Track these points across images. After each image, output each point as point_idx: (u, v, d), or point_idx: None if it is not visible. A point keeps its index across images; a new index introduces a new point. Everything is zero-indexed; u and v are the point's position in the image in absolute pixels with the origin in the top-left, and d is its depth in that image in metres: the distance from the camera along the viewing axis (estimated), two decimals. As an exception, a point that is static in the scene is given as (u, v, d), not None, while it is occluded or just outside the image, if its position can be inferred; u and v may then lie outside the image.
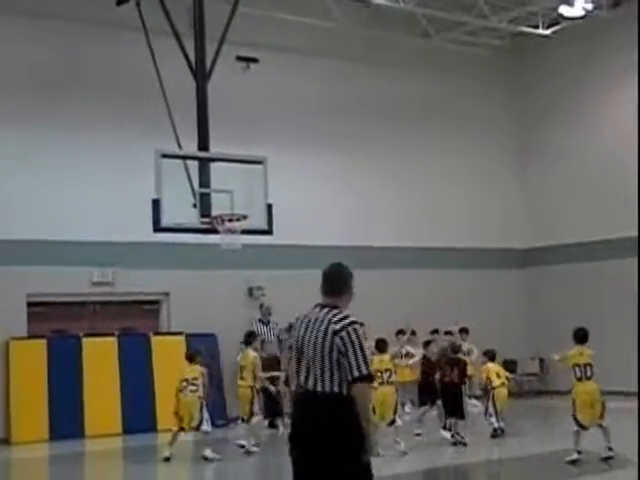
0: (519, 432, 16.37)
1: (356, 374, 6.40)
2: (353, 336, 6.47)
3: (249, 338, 16.48)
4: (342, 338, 6.44)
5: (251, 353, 16.08)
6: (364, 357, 6.45)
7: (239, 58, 20.75)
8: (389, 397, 14.16)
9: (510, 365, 23.68)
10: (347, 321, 6.53)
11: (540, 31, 22.88)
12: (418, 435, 16.06)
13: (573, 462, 12.71)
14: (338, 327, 6.49)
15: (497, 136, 24.97)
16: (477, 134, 24.46)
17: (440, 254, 23.24)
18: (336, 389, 6.43)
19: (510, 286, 24.38)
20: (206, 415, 14.78)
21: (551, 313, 23.68)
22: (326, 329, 6.51)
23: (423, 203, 23.29)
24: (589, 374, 12.88)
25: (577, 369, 12.93)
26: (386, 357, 14.60)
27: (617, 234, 22.68)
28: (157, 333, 19.31)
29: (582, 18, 21.79)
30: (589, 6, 21.21)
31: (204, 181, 16.40)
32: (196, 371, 14.99)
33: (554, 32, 22.95)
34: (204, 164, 16.56)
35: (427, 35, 22.95)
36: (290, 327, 19.86)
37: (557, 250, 24.13)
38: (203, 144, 16.97)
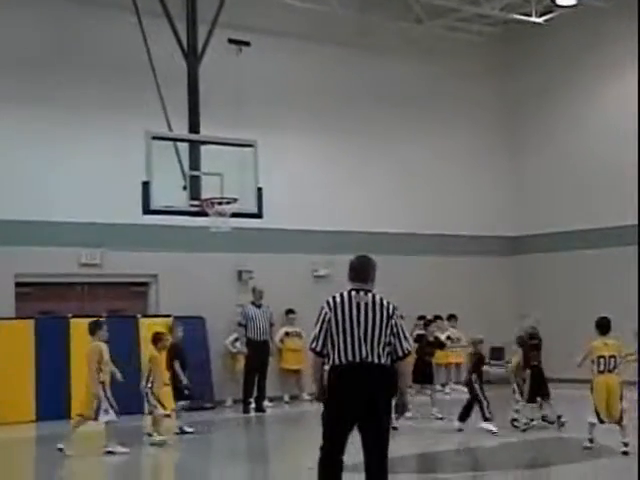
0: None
1: (406, 351, 7.81)
2: (400, 319, 7.86)
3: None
4: (395, 321, 7.77)
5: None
6: (408, 338, 7.90)
7: (231, 41, 20.66)
8: None
9: (497, 352, 23.80)
10: (393, 306, 7.85)
11: (533, 19, 22.84)
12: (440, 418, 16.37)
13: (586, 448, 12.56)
14: (391, 311, 7.80)
15: (488, 124, 24.95)
16: (468, 121, 24.43)
17: (429, 241, 23.24)
18: (386, 361, 7.70)
19: (499, 274, 24.40)
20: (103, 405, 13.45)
21: (540, 301, 23.63)
22: (381, 311, 7.76)
23: (413, 189, 23.26)
24: (612, 367, 12.48)
25: (601, 361, 12.48)
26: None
27: (606, 223, 22.73)
28: (145, 315, 19.27)
29: (575, 7, 21.77)
30: (583, -7, 21.19)
31: (194, 163, 16.39)
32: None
33: (547, 20, 22.91)
34: (194, 146, 16.55)
35: (420, 21, 22.90)
36: (290, 311, 20.00)
37: (546, 238, 24.15)
38: (194, 126, 16.97)
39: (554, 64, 24.19)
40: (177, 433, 15.38)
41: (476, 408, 14.98)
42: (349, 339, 7.69)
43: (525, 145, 25.08)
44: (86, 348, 13.82)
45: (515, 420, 15.31)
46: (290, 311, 20.20)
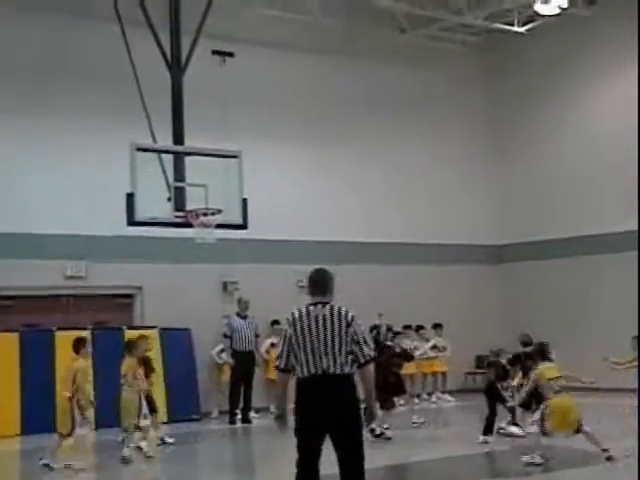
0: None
1: (368, 358, 7.86)
2: (360, 327, 7.93)
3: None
4: (354, 329, 7.87)
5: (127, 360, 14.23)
6: (369, 344, 7.95)
7: (215, 52, 20.68)
8: None
9: (484, 360, 23.82)
10: (352, 314, 7.96)
11: (515, 28, 22.92)
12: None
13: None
14: (349, 320, 7.89)
15: (471, 133, 25.00)
16: (451, 130, 24.49)
17: (413, 250, 23.26)
18: (351, 369, 7.83)
19: (484, 282, 24.42)
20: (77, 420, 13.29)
21: (524, 309, 23.77)
22: (340, 321, 7.87)
23: (398, 198, 23.28)
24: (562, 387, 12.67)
25: (553, 383, 12.52)
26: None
27: (589, 231, 22.80)
28: (131, 327, 19.21)
29: (557, 15, 21.84)
30: (564, 4, 21.24)
31: (179, 175, 16.38)
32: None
33: (529, 29, 22.99)
34: (179, 158, 16.54)
35: (403, 31, 22.95)
36: (275, 322, 19.91)
37: (530, 246, 24.20)
38: (178, 138, 16.96)
39: (537, 73, 24.27)
40: (159, 444, 15.27)
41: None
42: (310, 353, 7.84)
43: (511, 152, 25.11)
44: (68, 364, 13.70)
45: (502, 428, 15.31)
46: (275, 322, 20.16)
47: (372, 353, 7.94)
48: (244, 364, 18.75)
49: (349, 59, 22.61)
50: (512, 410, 14.90)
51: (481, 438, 14.41)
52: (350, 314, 7.94)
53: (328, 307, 7.97)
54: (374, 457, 8.13)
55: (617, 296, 22.14)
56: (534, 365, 13.16)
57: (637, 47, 19.39)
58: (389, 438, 15.25)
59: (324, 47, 22.26)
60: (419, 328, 21.69)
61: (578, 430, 12.37)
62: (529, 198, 24.51)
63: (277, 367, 8.09)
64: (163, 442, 15.40)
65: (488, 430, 14.55)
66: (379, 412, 15.45)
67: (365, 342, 7.89)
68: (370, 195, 22.91)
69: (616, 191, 22.43)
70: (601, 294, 22.52)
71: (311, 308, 7.99)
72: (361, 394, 7.98)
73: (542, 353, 13.02)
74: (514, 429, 14.85)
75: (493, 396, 14.91)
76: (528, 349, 15.36)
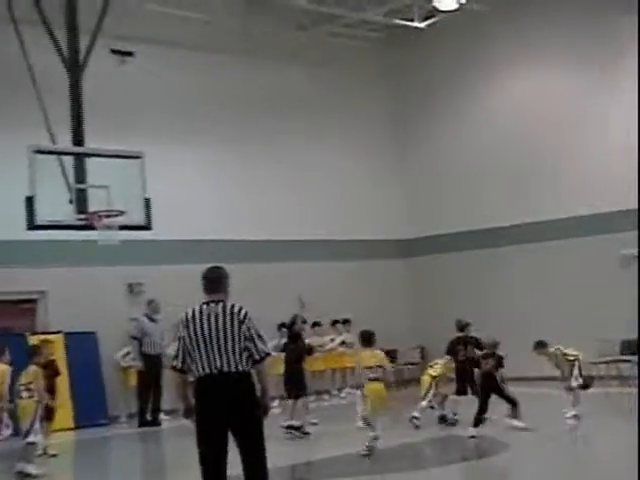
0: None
1: (262, 354, 7.86)
2: (253, 323, 7.89)
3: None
4: (247, 326, 7.83)
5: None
6: (264, 339, 7.95)
7: (114, 51, 20.41)
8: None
9: (392, 354, 23.99)
10: (245, 311, 7.92)
11: (415, 24, 23.11)
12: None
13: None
14: (242, 317, 7.86)
15: (375, 128, 25.15)
16: (355, 127, 24.60)
17: (323, 246, 23.32)
18: (246, 367, 7.79)
19: (393, 276, 24.60)
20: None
21: (434, 302, 24.00)
22: (232, 319, 7.83)
23: (304, 196, 23.31)
24: (379, 375, 13.00)
25: (368, 371, 13.01)
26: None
27: (495, 223, 23.14)
28: (34, 332, 18.84)
29: (456, 11, 22.08)
30: (462, -1, 21.50)
31: (80, 176, 16.07)
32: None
33: (429, 25, 23.21)
34: (79, 159, 16.24)
35: (304, 28, 22.95)
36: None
37: (438, 240, 24.46)
38: (78, 139, 16.66)
39: (439, 68, 24.55)
40: (40, 454, 14.14)
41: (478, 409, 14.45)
42: (204, 352, 7.81)
43: (414, 147, 25.33)
44: None
45: (415, 418, 15.37)
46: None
47: (267, 349, 7.96)
48: (155, 367, 18.57)
49: (250, 58, 22.53)
50: (512, 401, 14.38)
51: (471, 430, 13.97)
52: (243, 311, 7.91)
53: (221, 305, 7.92)
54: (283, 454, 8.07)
55: (524, 286, 22.54)
56: None
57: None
58: (307, 433, 15.26)
59: (224, 46, 22.14)
60: (335, 322, 21.80)
61: None
62: (434, 192, 24.76)
63: (174, 367, 8.06)
64: (44, 452, 14.44)
65: (479, 422, 14.07)
66: (288, 402, 15.57)
67: (260, 338, 7.88)
68: (279, 193, 22.88)
69: (516, 183, 22.83)
70: (509, 284, 22.89)
71: (204, 307, 7.95)
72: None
73: (364, 339, 13.34)
74: (516, 422, 14.23)
75: (491, 388, 14.37)
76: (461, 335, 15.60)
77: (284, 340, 18.06)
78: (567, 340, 15.61)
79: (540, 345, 15.36)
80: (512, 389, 14.47)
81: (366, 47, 24.66)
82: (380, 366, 12.98)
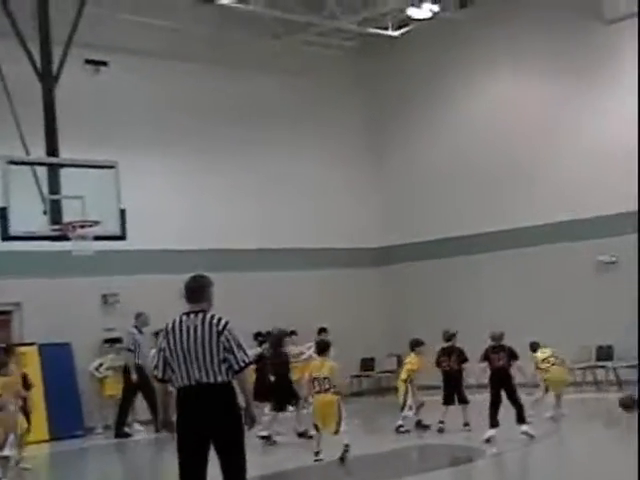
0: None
1: (242, 364, 7.78)
2: (233, 333, 7.81)
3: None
4: (226, 337, 7.75)
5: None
6: (244, 349, 7.85)
7: (88, 61, 20.35)
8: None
9: (368, 362, 24.01)
10: (225, 321, 7.83)
11: (389, 32, 23.16)
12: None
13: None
14: (220, 328, 7.78)
15: (350, 137, 25.14)
16: (330, 135, 24.58)
17: (297, 255, 23.29)
18: (225, 378, 7.73)
19: (368, 285, 24.59)
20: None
21: (409, 310, 24.02)
22: (210, 330, 7.77)
23: (278, 205, 23.27)
24: (326, 387, 12.99)
25: (316, 382, 13.04)
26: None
27: (469, 231, 23.20)
28: (9, 344, 18.69)
29: (430, 19, 22.14)
30: (436, 7, 21.56)
31: (54, 187, 16.00)
32: None
33: (403, 33, 23.27)
34: (53, 170, 16.16)
35: (277, 37, 22.96)
36: (158, 333, 19.57)
37: (413, 247, 24.46)
38: (52, 149, 16.57)
39: (413, 76, 24.56)
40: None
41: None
42: (182, 363, 7.79)
43: (389, 155, 25.34)
44: None
45: (401, 426, 15.43)
46: (158, 333, 19.84)
47: (247, 359, 7.85)
48: (147, 378, 18.40)
49: (225, 67, 22.50)
50: (519, 404, 14.02)
51: (488, 433, 13.73)
52: (223, 322, 7.83)
53: (201, 316, 7.86)
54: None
55: (499, 293, 22.59)
56: None
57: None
58: (274, 442, 15.24)
59: (199, 55, 22.08)
60: (292, 333, 21.75)
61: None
62: (409, 200, 24.79)
63: (155, 377, 8.07)
64: (16, 464, 14.28)
65: (494, 423, 13.82)
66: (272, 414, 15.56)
67: (239, 348, 7.79)
68: (253, 202, 22.83)
69: (491, 190, 22.89)
70: (484, 291, 22.92)
71: (184, 318, 7.91)
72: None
73: (320, 348, 13.53)
74: (525, 427, 13.89)
75: (504, 384, 14.07)
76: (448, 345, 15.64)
77: (260, 349, 18.05)
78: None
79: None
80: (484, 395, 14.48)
81: (340, 56, 24.69)
82: (326, 377, 12.92)
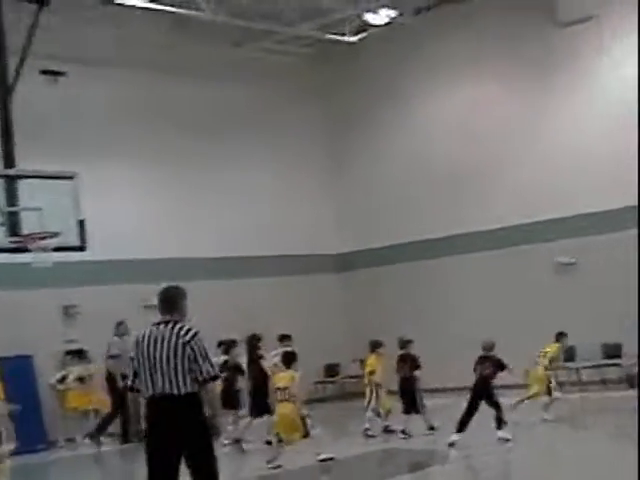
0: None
1: (206, 375, 7.79)
2: (200, 344, 7.83)
3: None
4: (192, 348, 7.77)
5: None
6: (210, 361, 7.87)
7: (44, 72, 20.21)
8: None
9: (332, 369, 24.04)
10: (192, 332, 7.85)
11: (347, 38, 23.22)
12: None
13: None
14: (187, 339, 7.80)
15: (308, 144, 25.18)
16: (288, 143, 24.60)
17: (259, 263, 23.25)
18: (191, 389, 7.76)
19: (328, 291, 24.63)
20: None
21: (371, 315, 24.02)
22: (177, 341, 7.80)
23: (238, 213, 23.22)
24: (286, 397, 13.17)
25: (278, 392, 13.30)
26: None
27: (427, 236, 23.28)
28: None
29: (388, 25, 22.21)
30: (393, 13, 21.64)
31: (11, 199, 15.86)
32: None
33: (361, 39, 23.33)
34: (11, 181, 16.02)
35: (237, 45, 22.93)
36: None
37: (372, 253, 24.52)
38: (9, 161, 16.43)
39: (371, 80, 24.64)
40: None
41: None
42: (149, 374, 7.86)
43: (347, 161, 25.44)
44: None
45: (368, 429, 15.46)
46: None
47: (212, 371, 7.86)
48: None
49: (185, 76, 22.43)
50: (499, 410, 14.03)
51: (453, 437, 13.78)
52: (190, 333, 7.84)
53: (170, 326, 7.91)
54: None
55: (458, 296, 22.69)
56: None
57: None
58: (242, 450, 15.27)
59: (157, 64, 21.98)
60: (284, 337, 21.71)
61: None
62: (368, 206, 24.85)
63: (125, 386, 8.17)
64: None
65: (462, 429, 13.88)
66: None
67: (205, 360, 7.80)
68: (212, 211, 22.79)
69: (448, 195, 23.00)
70: (443, 295, 23.03)
71: (153, 328, 7.97)
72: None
73: (286, 360, 13.60)
74: (501, 433, 13.89)
75: (484, 392, 14.10)
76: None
77: (224, 357, 17.96)
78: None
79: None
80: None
81: (299, 63, 24.73)
82: (286, 387, 13.07)
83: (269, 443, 15.28)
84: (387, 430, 15.75)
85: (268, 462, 13.07)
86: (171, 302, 8.09)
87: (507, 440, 13.69)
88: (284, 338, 21.87)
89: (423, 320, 22.38)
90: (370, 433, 15.51)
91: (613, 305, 19.72)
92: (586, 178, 20.66)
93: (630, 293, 19.01)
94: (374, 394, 15.80)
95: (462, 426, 13.87)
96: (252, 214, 23.44)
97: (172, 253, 21.55)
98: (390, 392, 16.06)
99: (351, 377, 23.47)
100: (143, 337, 7.96)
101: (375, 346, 16.21)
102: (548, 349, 16.38)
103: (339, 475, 13.14)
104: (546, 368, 16.17)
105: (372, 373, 15.88)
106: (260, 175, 23.83)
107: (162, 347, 7.83)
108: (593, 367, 20.17)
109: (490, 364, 14.20)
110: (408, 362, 15.60)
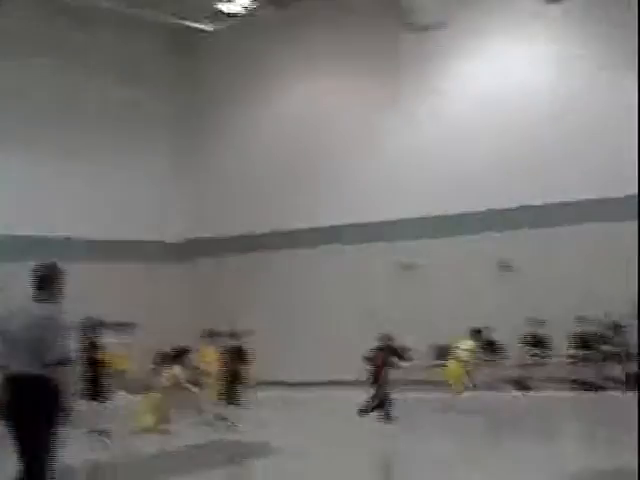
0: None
1: (54, 358, 7.59)
2: (55, 326, 7.68)
3: None
4: (46, 328, 7.62)
5: None
6: (63, 345, 7.68)
7: None
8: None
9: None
10: (48, 313, 7.71)
11: (203, 26, 22.95)
12: None
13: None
14: (42, 319, 7.66)
15: (160, 130, 24.82)
16: (135, 130, 24.15)
17: (90, 246, 22.65)
18: (38, 371, 7.59)
19: (172, 279, 24.27)
20: None
21: (211, 304, 23.80)
22: (33, 322, 7.64)
23: (74, 195, 22.58)
24: None
25: None
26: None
27: (267, 228, 23.39)
28: None
29: (246, 15, 22.00)
30: (248, 3, 21.41)
31: None
32: None
33: (217, 29, 23.10)
34: None
35: (91, 31, 22.40)
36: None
37: (214, 242, 24.42)
38: None
39: (231, 70, 24.53)
40: None
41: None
42: (6, 352, 7.77)
43: (202, 148, 25.14)
44: None
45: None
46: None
47: (66, 355, 7.72)
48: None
49: (14, 60, 21.47)
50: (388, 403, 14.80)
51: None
52: (47, 313, 7.74)
53: (34, 306, 7.82)
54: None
55: (292, 292, 22.76)
56: None
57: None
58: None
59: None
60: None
61: None
62: (215, 194, 24.70)
63: None
64: None
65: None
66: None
67: (57, 344, 7.66)
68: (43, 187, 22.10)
69: (292, 189, 23.06)
70: (296, 289, 23.00)
71: (22, 305, 7.95)
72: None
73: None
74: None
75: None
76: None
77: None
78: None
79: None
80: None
81: (154, 50, 24.32)
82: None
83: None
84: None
85: None
86: (41, 280, 7.93)
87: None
88: (121, 325, 21.55)
89: (256, 312, 22.30)
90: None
91: (446, 307, 20.20)
92: (427, 181, 21.04)
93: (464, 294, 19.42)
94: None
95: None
96: (92, 199, 22.79)
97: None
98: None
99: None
100: (8, 315, 7.92)
101: (208, 336, 16.14)
102: (463, 345, 16.58)
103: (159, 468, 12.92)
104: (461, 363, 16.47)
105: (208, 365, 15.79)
106: (100, 159, 23.08)
107: (20, 326, 7.72)
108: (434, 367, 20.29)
109: (381, 353, 14.83)
110: (236, 355, 15.59)
